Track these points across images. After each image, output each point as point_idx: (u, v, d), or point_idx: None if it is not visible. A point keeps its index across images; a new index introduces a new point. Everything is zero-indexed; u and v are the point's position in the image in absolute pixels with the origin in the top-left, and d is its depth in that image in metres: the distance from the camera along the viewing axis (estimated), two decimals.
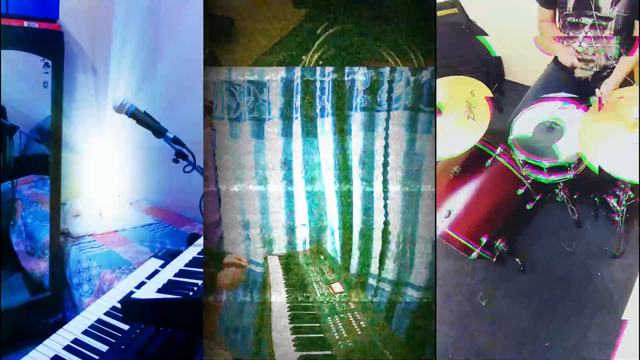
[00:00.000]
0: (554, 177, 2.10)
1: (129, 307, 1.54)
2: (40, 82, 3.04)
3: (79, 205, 3.44)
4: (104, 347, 1.49)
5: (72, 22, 3.13)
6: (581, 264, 2.27)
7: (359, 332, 1.49)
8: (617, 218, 2.15)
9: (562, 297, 2.20)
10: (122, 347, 1.48)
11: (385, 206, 1.90)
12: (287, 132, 1.94)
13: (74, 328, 1.58)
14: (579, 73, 2.24)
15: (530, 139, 2.12)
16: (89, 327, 1.59)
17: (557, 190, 2.25)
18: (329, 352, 1.40)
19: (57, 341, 1.52)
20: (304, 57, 1.78)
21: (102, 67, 3.45)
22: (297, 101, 1.89)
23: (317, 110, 1.91)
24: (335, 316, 1.62)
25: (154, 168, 3.27)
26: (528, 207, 2.30)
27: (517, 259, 2.27)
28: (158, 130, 1.82)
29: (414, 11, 1.70)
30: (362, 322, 1.56)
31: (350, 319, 1.59)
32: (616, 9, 2.04)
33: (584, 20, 2.12)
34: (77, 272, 3.00)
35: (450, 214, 2.14)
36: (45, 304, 3.13)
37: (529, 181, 2.21)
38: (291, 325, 1.57)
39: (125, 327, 1.57)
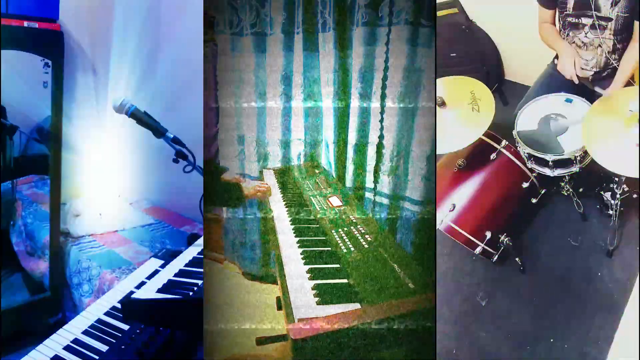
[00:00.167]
0: (559, 171, 2.09)
1: (129, 307, 1.53)
2: (40, 82, 3.03)
3: (79, 205, 3.43)
4: (104, 347, 1.49)
5: (72, 22, 3.13)
6: (582, 261, 2.27)
7: (366, 246, 1.48)
8: (611, 212, 2.15)
9: (562, 296, 2.21)
10: (122, 347, 1.48)
11: (381, 121, 1.89)
12: (288, 47, 1.92)
13: (74, 328, 1.58)
14: (579, 73, 2.24)
15: (535, 133, 2.11)
16: (89, 327, 1.59)
17: (562, 184, 2.25)
18: (337, 265, 1.39)
19: (57, 341, 1.52)
20: None
21: (102, 67, 3.45)
22: (299, 16, 1.87)
23: (319, 25, 1.88)
24: (340, 230, 1.62)
25: (154, 168, 3.27)
26: (533, 201, 2.30)
27: (517, 259, 2.27)
28: (158, 130, 1.82)
29: None
30: (367, 236, 1.55)
31: (355, 232, 1.59)
32: (616, 9, 2.05)
33: (584, 20, 2.12)
34: (77, 272, 3.00)
35: (454, 207, 2.12)
36: (45, 304, 3.12)
37: (534, 174, 2.20)
38: (297, 239, 1.57)
39: (125, 327, 1.57)
